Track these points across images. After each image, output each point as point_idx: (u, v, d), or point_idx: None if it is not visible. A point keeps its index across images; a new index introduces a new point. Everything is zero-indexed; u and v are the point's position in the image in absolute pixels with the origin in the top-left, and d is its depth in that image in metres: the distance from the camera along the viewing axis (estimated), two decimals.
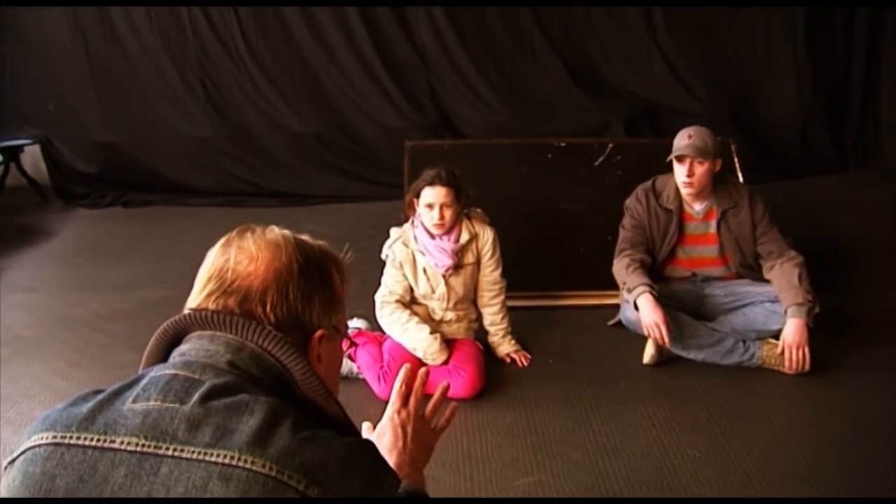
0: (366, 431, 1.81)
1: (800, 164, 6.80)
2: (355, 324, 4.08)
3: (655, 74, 6.88)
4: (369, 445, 1.29)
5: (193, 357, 1.31)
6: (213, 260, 1.40)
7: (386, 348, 3.85)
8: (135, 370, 1.34)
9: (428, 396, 1.85)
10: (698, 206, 4.08)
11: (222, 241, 1.43)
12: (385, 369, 3.73)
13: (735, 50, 6.88)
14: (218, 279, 1.37)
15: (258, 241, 1.40)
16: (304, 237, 1.47)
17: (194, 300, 1.39)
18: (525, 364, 4.04)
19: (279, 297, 1.35)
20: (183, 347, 1.35)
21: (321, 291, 1.41)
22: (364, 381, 3.81)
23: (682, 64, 6.86)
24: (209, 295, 1.37)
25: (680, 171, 3.96)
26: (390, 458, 1.69)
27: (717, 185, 4.06)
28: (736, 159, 4.93)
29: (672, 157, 3.97)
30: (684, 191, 4.01)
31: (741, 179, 4.69)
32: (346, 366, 3.90)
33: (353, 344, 3.93)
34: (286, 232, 1.45)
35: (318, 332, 1.40)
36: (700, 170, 3.93)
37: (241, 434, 1.16)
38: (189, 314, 1.35)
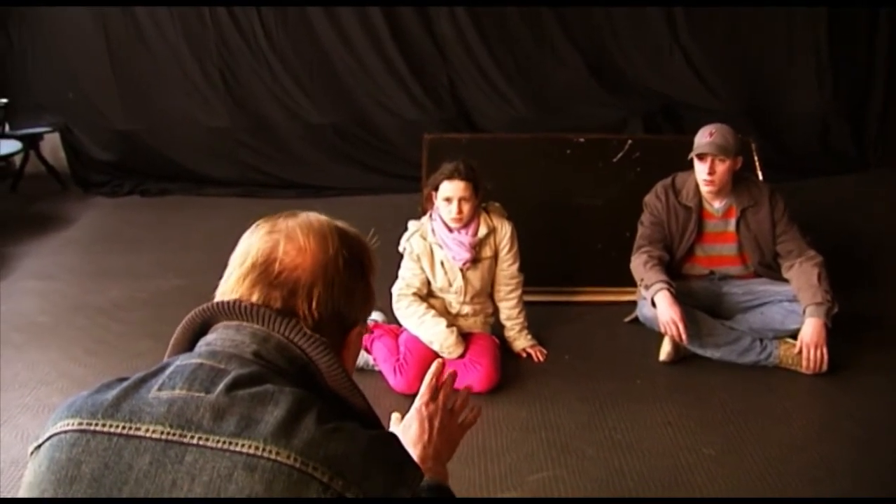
0: (394, 423, 1.81)
1: (820, 162, 6.76)
2: (372, 316, 4.08)
3: (675, 71, 6.84)
4: (393, 438, 1.28)
5: (219, 347, 1.30)
6: (258, 245, 1.37)
7: (402, 341, 3.85)
8: (152, 358, 1.34)
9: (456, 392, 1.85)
10: (718, 204, 4.07)
11: (264, 225, 1.40)
12: (401, 362, 3.73)
13: (755, 48, 6.83)
14: (263, 268, 1.34)
15: (304, 229, 1.37)
16: (342, 224, 1.44)
17: (235, 288, 1.35)
18: (541, 359, 4.04)
19: (325, 294, 1.34)
20: (209, 337, 1.34)
21: (361, 286, 1.40)
22: (380, 373, 3.81)
23: (701, 61, 6.82)
24: (253, 285, 1.34)
25: (701, 169, 3.95)
26: (415, 451, 1.69)
27: (737, 183, 4.05)
28: (756, 158, 4.89)
29: (693, 154, 3.95)
30: (705, 188, 4.00)
31: (761, 178, 4.66)
32: (363, 358, 3.90)
33: (369, 330, 3.95)
34: (326, 219, 1.42)
35: (357, 328, 1.40)
36: (721, 168, 3.91)
37: (266, 424, 1.16)
38: (216, 304, 1.34)
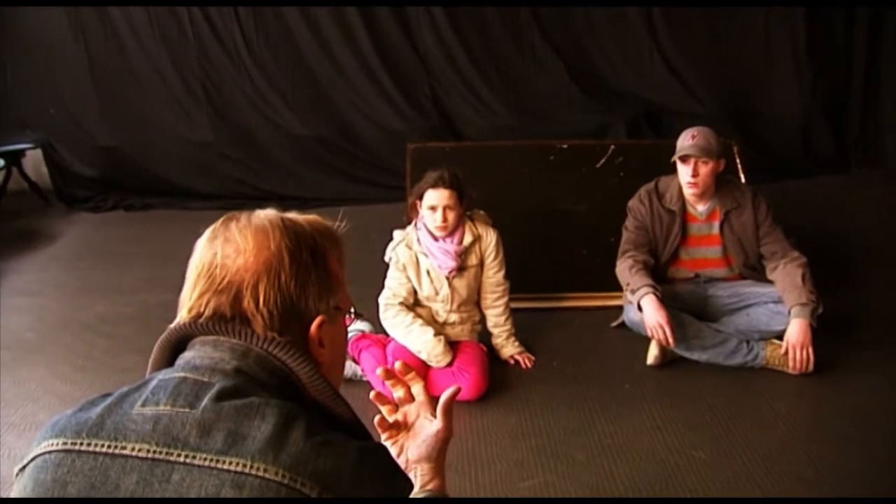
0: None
1: (802, 164, 6.79)
2: (359, 326, 4.07)
3: (656, 75, 6.88)
4: (381, 450, 1.27)
5: (199, 363, 1.28)
6: (201, 255, 1.34)
7: (390, 351, 3.85)
8: (140, 373, 1.31)
9: (434, 399, 1.86)
10: (701, 207, 4.08)
11: (208, 232, 1.37)
12: None
13: (736, 50, 6.88)
14: (208, 276, 1.32)
15: (244, 230, 1.34)
16: (292, 215, 1.41)
17: (187, 300, 1.34)
18: (529, 366, 4.04)
19: (272, 290, 1.30)
20: (187, 355, 1.31)
21: (315, 274, 1.35)
22: (368, 383, 3.81)
23: (683, 65, 6.86)
24: (201, 295, 1.32)
25: (684, 172, 3.96)
26: (439, 468, 1.76)
27: (720, 185, 4.06)
28: (738, 160, 4.92)
29: (676, 157, 3.97)
30: (688, 191, 4.01)
31: (743, 180, 4.68)
32: (350, 368, 3.89)
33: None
34: (272, 214, 1.39)
35: (318, 319, 1.34)
36: (704, 170, 3.93)
37: (253, 440, 1.15)
38: (189, 322, 1.31)
